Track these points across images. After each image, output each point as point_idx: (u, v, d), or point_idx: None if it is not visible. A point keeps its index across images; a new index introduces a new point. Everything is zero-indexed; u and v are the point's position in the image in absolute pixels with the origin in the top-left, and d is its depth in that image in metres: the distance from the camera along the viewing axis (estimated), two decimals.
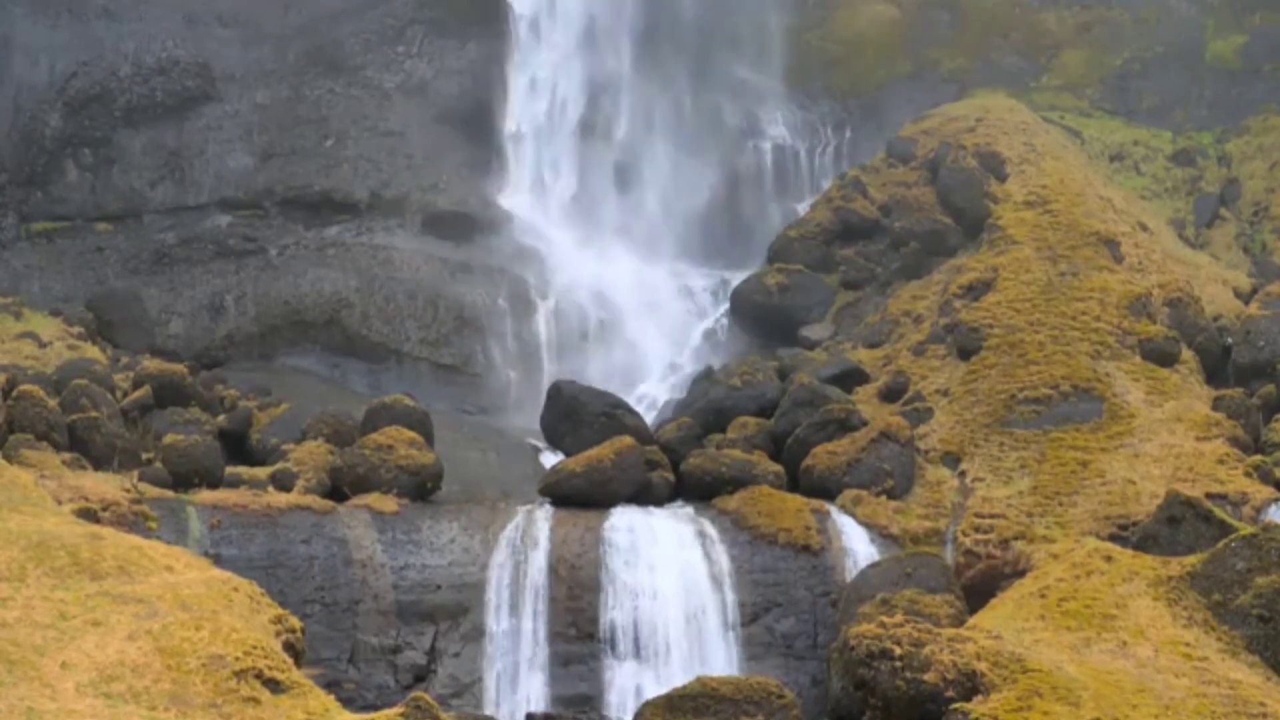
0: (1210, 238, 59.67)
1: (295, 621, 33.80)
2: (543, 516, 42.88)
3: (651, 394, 55.91)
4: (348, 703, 34.04)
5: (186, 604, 31.96)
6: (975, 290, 51.61)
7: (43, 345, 51.64)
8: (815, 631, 41.67)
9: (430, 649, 40.87)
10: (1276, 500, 42.71)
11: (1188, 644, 35.95)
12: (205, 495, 41.86)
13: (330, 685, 36.05)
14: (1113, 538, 41.42)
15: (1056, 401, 46.80)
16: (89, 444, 43.42)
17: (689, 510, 44.11)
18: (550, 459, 48.98)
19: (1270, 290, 53.43)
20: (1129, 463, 44.75)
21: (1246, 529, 38.55)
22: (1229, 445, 45.18)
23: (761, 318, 56.33)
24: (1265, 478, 43.96)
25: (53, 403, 43.68)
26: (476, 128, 62.06)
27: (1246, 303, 53.45)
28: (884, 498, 44.61)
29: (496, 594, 41.46)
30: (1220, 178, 61.94)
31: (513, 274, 59.44)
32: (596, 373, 55.90)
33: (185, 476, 42.70)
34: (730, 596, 41.78)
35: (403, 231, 60.11)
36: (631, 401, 50.44)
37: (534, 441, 51.61)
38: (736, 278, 58.61)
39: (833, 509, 43.99)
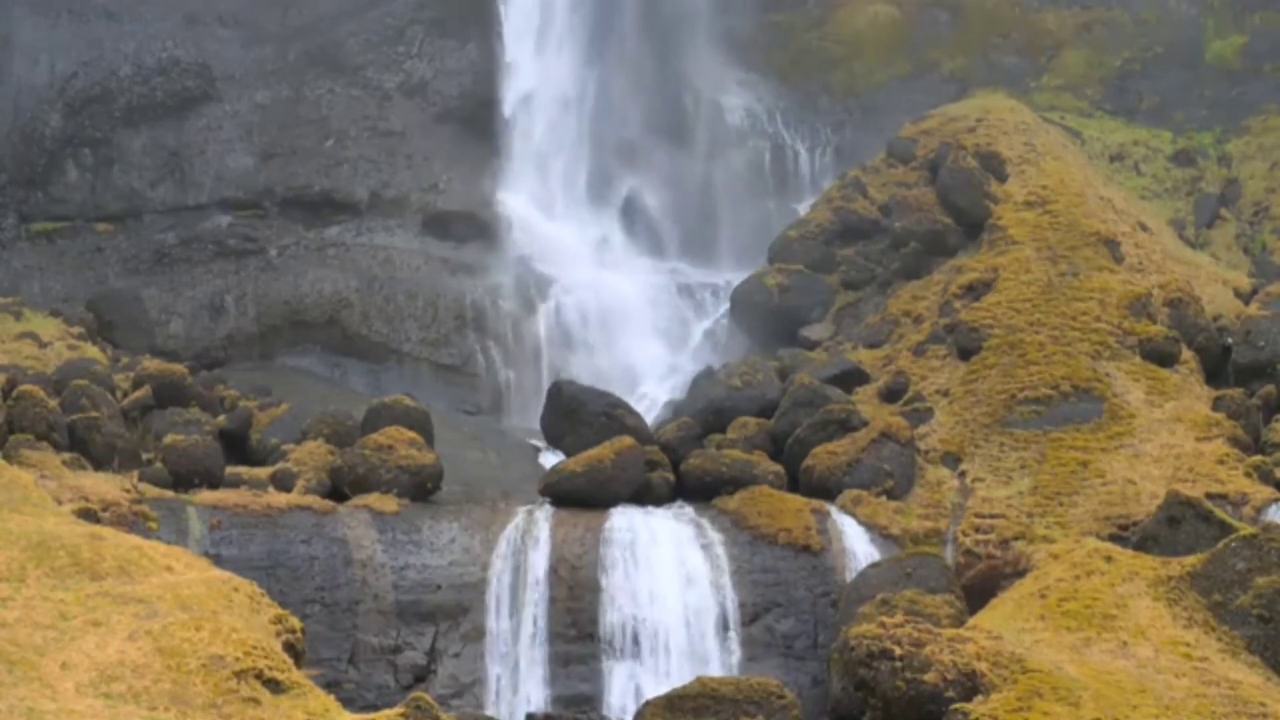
0: (1210, 238, 59.64)
1: (295, 622, 33.72)
2: (543, 516, 42.82)
3: (651, 394, 55.86)
4: (348, 703, 34.00)
5: (186, 604, 31.93)
6: (975, 290, 51.57)
7: (43, 345, 51.61)
8: (815, 631, 41.64)
9: (430, 649, 40.84)
10: (1276, 500, 42.66)
11: (1188, 644, 35.95)
12: (205, 495, 41.79)
13: (330, 685, 36.03)
14: (1113, 538, 41.40)
15: (1056, 401, 46.78)
16: (89, 444, 43.35)
17: (689, 510, 44.05)
18: (550, 459, 48.92)
19: (1270, 290, 53.38)
20: (1129, 463, 44.73)
21: (1246, 529, 38.54)
22: (1229, 445, 45.16)
23: (761, 318, 56.26)
24: (1265, 478, 43.92)
25: (53, 403, 43.62)
26: (476, 128, 62.07)
27: (1246, 303, 53.40)
28: (884, 498, 44.57)
29: (496, 594, 41.41)
30: (1220, 178, 61.92)
31: (512, 274, 59.56)
32: (597, 373, 55.89)
33: (185, 476, 42.63)
34: (730, 596, 41.74)
35: (403, 231, 60.15)
36: (631, 401, 50.36)
37: (534, 441, 51.59)
38: (736, 278, 58.56)
39: (833, 509, 43.93)
